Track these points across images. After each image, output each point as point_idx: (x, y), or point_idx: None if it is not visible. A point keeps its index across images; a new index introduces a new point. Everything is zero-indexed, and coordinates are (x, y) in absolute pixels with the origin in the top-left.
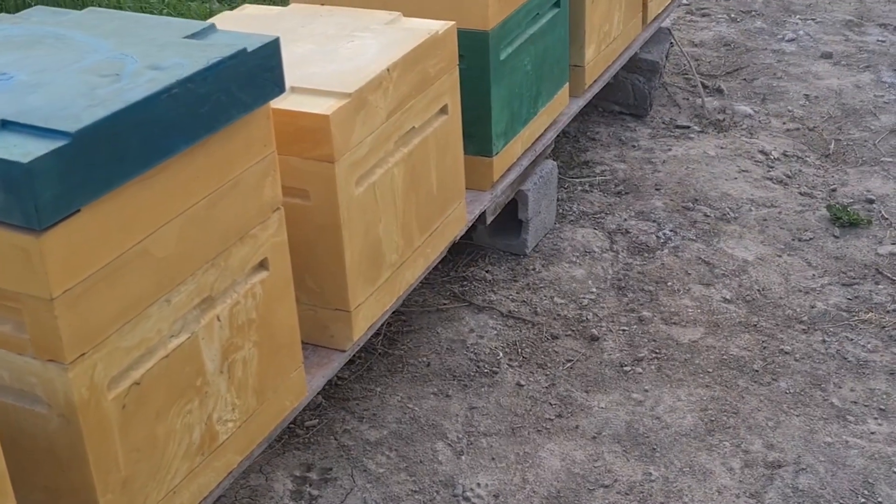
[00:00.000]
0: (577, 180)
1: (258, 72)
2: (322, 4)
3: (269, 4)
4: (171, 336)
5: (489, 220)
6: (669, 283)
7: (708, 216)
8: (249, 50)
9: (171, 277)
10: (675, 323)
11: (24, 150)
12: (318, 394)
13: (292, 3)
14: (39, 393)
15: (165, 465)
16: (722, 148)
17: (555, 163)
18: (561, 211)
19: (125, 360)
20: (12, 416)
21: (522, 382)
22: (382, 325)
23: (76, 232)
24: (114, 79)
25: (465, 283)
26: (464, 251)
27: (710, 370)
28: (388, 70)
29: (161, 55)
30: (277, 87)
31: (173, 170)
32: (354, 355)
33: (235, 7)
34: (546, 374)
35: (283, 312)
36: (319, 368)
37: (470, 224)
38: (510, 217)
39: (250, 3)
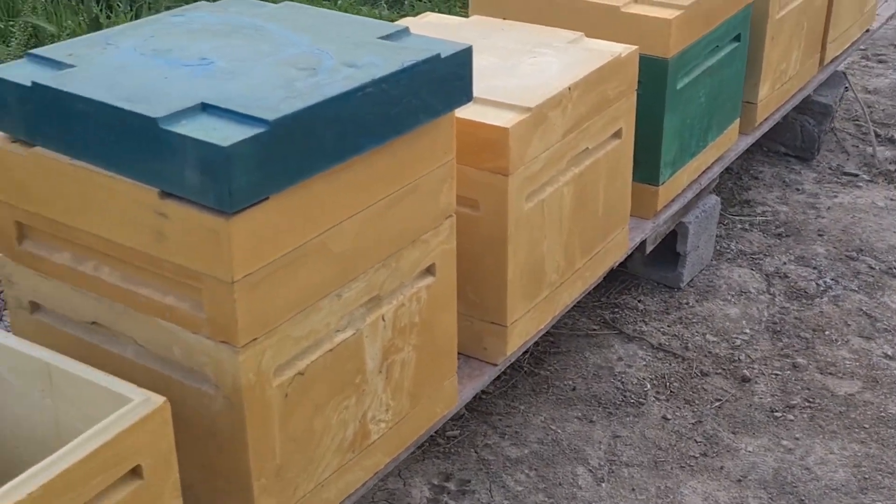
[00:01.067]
0: (738, 218)
1: (449, 78)
2: (504, 19)
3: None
4: (337, 331)
5: (648, 249)
6: (827, 333)
7: (873, 268)
8: (443, 56)
9: (345, 273)
10: (831, 373)
11: (224, 134)
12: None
13: (473, 16)
14: (209, 373)
15: (318, 457)
16: (892, 200)
17: (718, 198)
18: (719, 248)
19: (293, 349)
20: (179, 392)
21: (668, 416)
22: (531, 343)
23: (263, 219)
24: (310, 73)
25: (616, 310)
26: (617, 278)
27: (867, 426)
28: (569, 89)
29: (356, 53)
30: (465, 95)
31: (358, 168)
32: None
33: (405, 15)
34: (693, 411)
35: (444, 319)
36: (470, 380)
37: (630, 251)
38: (667, 249)
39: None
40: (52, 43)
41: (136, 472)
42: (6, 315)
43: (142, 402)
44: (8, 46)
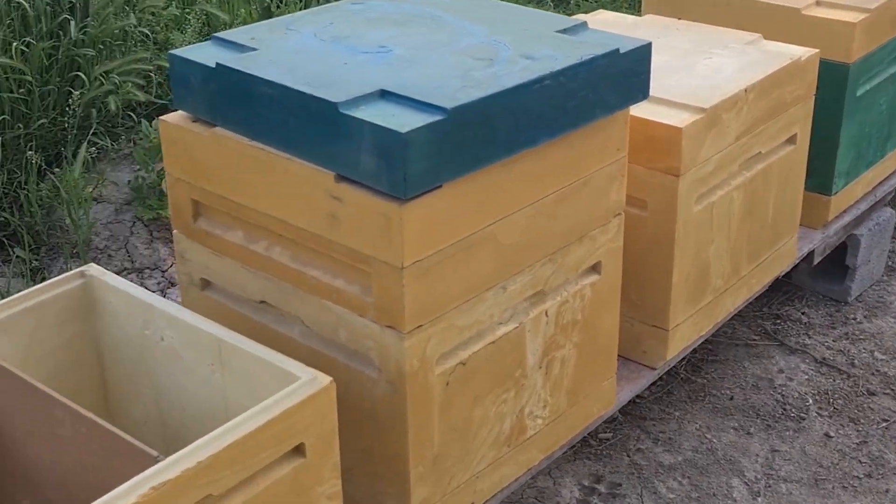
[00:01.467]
0: None
1: (627, 75)
2: (679, 19)
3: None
4: (500, 323)
5: (816, 260)
6: None
7: None
8: (622, 51)
9: (511, 266)
10: None
11: (402, 120)
12: None
13: (647, 15)
14: (373, 356)
15: (474, 449)
16: None
17: (893, 211)
18: (891, 263)
19: (457, 338)
20: (342, 374)
21: (832, 434)
22: (691, 349)
23: (435, 206)
24: (488, 63)
25: (778, 321)
26: (780, 288)
27: None
28: (745, 91)
29: (533, 46)
30: (641, 92)
31: (531, 160)
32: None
33: (571, 13)
34: (858, 430)
35: (606, 319)
36: (627, 382)
37: (797, 261)
38: (835, 261)
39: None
40: (224, 31)
41: (298, 450)
42: (169, 292)
43: (309, 380)
44: (183, 34)
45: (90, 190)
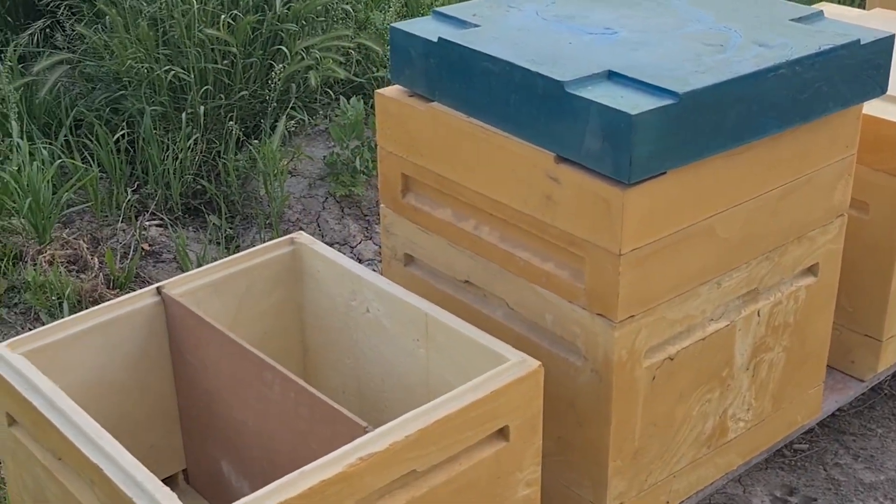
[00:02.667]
0: None
1: (865, 67)
2: None
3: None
4: (711, 319)
5: None
6: None
7: None
8: (863, 42)
9: (727, 261)
10: None
11: (631, 102)
12: None
13: (875, 8)
14: (579, 344)
15: (674, 447)
16: None
17: None
18: None
19: (667, 332)
20: (545, 359)
21: None
22: None
23: (658, 194)
24: (718, 49)
25: None
26: None
27: None
28: None
29: (766, 33)
30: (880, 87)
31: (757, 152)
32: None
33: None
34: None
35: (819, 324)
36: (832, 392)
37: None
38: None
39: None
40: (423, 14)
41: (502, 433)
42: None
43: (518, 362)
44: (384, 13)
45: (286, 163)
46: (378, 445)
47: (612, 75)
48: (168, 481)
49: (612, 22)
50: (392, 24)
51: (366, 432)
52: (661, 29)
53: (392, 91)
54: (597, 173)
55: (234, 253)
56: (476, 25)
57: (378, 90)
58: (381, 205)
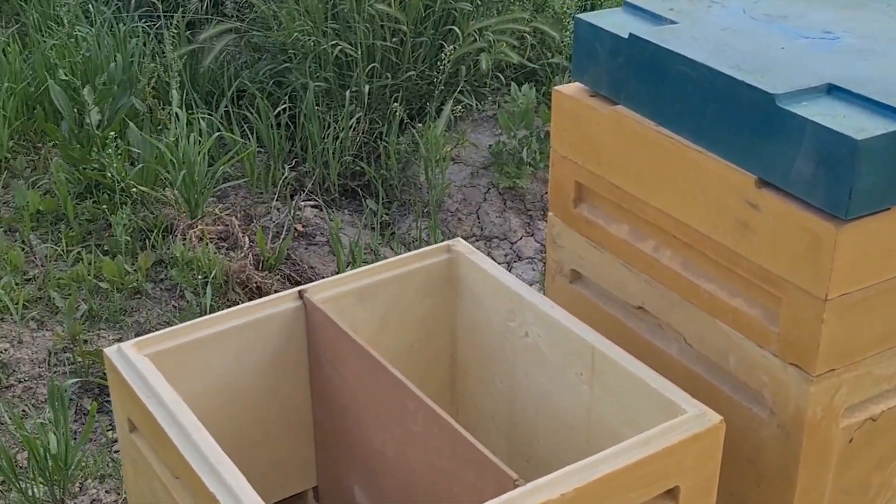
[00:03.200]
0: None
1: None
2: None
3: None
4: None
5: None
6: None
7: None
8: None
9: None
10: None
11: (856, 123)
12: None
13: None
14: (766, 394)
15: None
16: None
17: None
18: None
19: (871, 390)
20: (722, 406)
21: None
22: None
23: (877, 232)
24: None
25: None
26: None
27: None
28: None
29: None
30: None
31: None
32: None
33: None
34: None
35: None
36: None
37: None
38: None
39: None
40: (610, 4)
41: (671, 494)
42: (515, 266)
43: (696, 416)
44: None
45: (449, 149)
46: (528, 502)
47: (832, 89)
48: (297, 499)
49: (833, 24)
50: (577, 15)
51: (516, 486)
52: (890, 35)
53: (572, 89)
54: (806, 203)
55: (388, 240)
56: (673, 22)
57: (556, 87)
58: (550, 213)
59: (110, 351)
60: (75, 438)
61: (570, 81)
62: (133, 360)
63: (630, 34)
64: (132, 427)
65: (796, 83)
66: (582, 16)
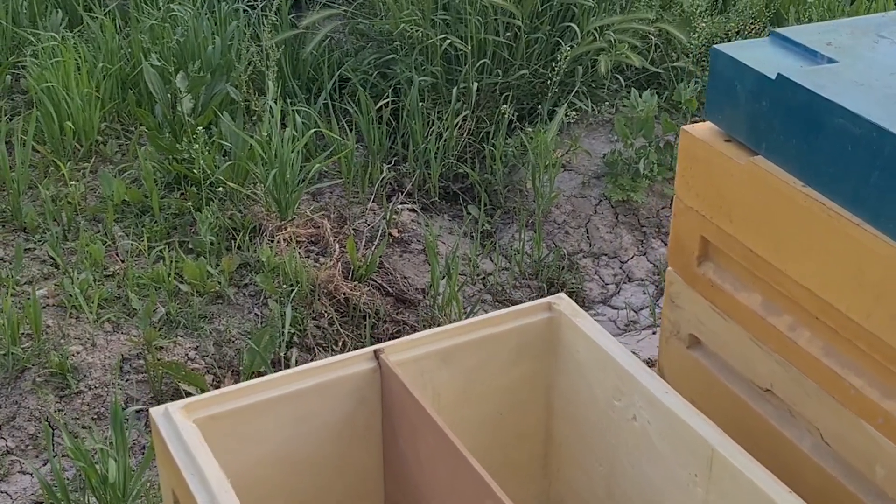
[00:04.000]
0: None
1: None
2: None
3: None
4: None
5: None
6: None
7: None
8: None
9: None
10: None
11: None
12: None
13: None
14: None
15: None
16: None
17: None
18: None
19: None
20: None
21: None
22: None
23: None
24: None
25: None
26: None
27: None
28: None
29: None
30: None
31: None
32: None
33: None
34: None
35: None
36: None
37: None
38: None
39: None
40: (787, 27)
41: None
42: (624, 288)
43: None
44: None
45: (559, 155)
46: None
47: None
48: None
49: None
50: (716, 46)
51: None
52: None
53: (703, 130)
54: None
55: (489, 251)
56: (832, 60)
57: (684, 127)
58: (670, 268)
59: (156, 413)
60: (143, 453)
61: (695, 89)
62: (180, 426)
63: (778, 75)
64: (175, 500)
65: None
66: (721, 47)
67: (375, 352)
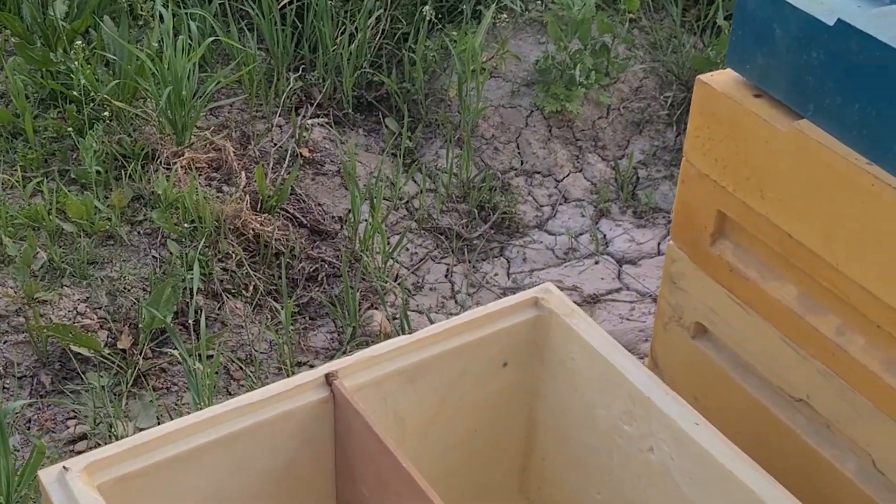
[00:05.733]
0: None
1: None
2: None
3: None
4: None
5: None
6: None
7: None
8: None
9: None
10: None
11: None
12: None
13: None
14: None
15: None
16: None
17: None
18: None
19: None
20: None
21: None
22: None
23: None
24: None
25: None
26: None
27: None
28: None
29: None
30: None
31: None
32: None
33: None
34: None
35: None
36: None
37: None
38: None
39: None
40: None
41: None
42: (561, 210)
43: None
44: None
45: (486, 60)
46: None
47: None
48: None
49: None
50: None
51: None
52: None
53: (725, 82)
54: None
55: (412, 172)
56: None
57: (701, 76)
58: (672, 242)
59: (47, 477)
60: (27, 432)
61: None
62: (78, 495)
63: (838, 20)
64: None
65: None
66: None
67: (327, 376)
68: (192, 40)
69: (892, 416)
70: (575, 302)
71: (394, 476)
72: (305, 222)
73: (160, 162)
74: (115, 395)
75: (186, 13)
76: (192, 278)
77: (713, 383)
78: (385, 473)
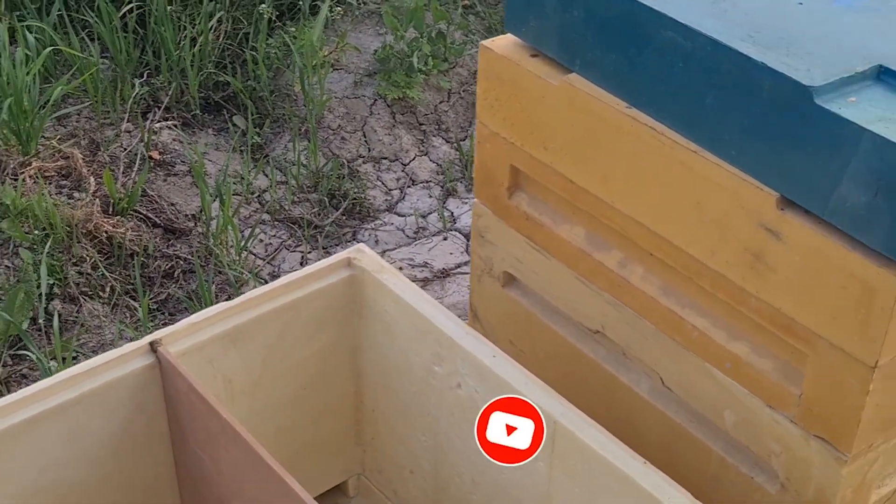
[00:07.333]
0: None
1: None
2: None
3: None
4: None
5: None
6: None
7: None
8: None
9: None
10: None
11: None
12: None
13: None
14: (775, 465)
15: None
16: None
17: None
18: None
19: None
20: (711, 464)
21: None
22: None
23: None
24: None
25: None
26: None
27: None
28: None
29: None
30: None
31: None
32: None
33: None
34: None
35: None
36: None
37: None
38: None
39: None
40: None
41: None
42: (409, 192)
43: None
44: None
45: (327, 54)
46: None
47: (884, 75)
48: None
49: None
50: None
51: None
52: None
53: (505, 45)
54: (851, 238)
55: (261, 166)
56: None
57: (484, 43)
58: (476, 199)
59: None
60: None
61: None
62: None
63: None
64: None
65: (837, 68)
66: None
67: (152, 343)
68: (30, 51)
69: (672, 337)
70: (426, 277)
71: (221, 433)
72: (159, 222)
73: (7, 174)
74: None
75: (23, 25)
76: (47, 283)
77: (525, 327)
78: (214, 432)
